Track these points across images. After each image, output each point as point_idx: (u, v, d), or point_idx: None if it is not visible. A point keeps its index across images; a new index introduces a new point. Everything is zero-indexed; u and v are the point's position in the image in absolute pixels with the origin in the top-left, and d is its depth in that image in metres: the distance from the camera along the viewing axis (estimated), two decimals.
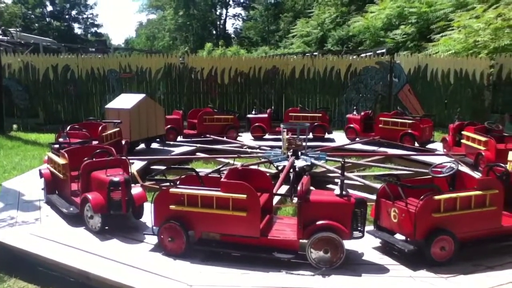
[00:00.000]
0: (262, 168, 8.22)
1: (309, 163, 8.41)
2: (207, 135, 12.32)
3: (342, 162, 5.07)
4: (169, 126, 11.99)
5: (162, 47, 54.04)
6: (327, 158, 9.01)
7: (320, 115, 13.04)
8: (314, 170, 8.69)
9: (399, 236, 4.91)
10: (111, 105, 10.88)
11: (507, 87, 15.16)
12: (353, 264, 4.65)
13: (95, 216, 5.51)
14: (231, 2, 57.65)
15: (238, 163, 8.16)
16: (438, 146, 11.22)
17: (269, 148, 10.41)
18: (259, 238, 4.68)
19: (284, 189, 7.37)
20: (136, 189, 5.79)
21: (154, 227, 5.04)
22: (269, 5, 49.37)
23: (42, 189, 6.87)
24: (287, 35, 36.89)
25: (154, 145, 11.52)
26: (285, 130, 9.36)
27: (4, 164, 9.95)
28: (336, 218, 4.56)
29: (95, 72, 16.69)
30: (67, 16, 59.58)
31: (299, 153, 8.83)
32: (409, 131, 11.21)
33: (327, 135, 12.84)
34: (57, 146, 7.06)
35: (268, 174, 5.98)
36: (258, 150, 10.40)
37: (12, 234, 5.48)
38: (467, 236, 4.73)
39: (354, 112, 13.10)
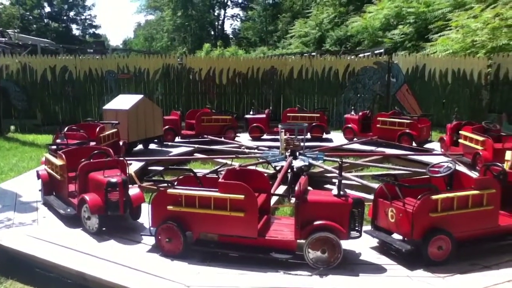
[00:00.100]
0: (260, 168, 8.24)
1: (307, 163, 8.41)
2: (205, 136, 12.32)
3: (340, 162, 5.07)
4: (167, 126, 11.99)
5: (160, 48, 54.07)
6: (325, 158, 9.01)
7: (318, 115, 13.05)
8: (311, 170, 8.69)
9: (396, 236, 4.92)
10: (109, 106, 10.86)
11: (504, 87, 15.22)
12: (351, 264, 4.66)
13: (92, 217, 5.50)
14: (229, 3, 57.74)
15: (236, 164, 8.16)
16: (435, 146, 11.24)
17: (267, 149, 10.39)
18: (257, 238, 4.68)
19: (282, 189, 7.37)
20: (133, 190, 5.79)
21: (151, 228, 5.04)
22: (267, 5, 49.38)
23: (40, 190, 6.87)
24: (285, 36, 36.92)
25: (152, 146, 11.52)
26: (283, 130, 9.36)
27: (1, 166, 9.94)
28: (333, 218, 4.56)
29: (93, 73, 16.69)
30: (65, 17, 59.49)
31: (297, 153, 8.83)
32: (407, 131, 11.25)
33: (325, 135, 12.84)
34: (54, 147, 7.06)
35: (266, 175, 5.99)
36: (256, 151, 10.39)
37: (9, 235, 5.47)
38: (464, 235, 4.74)
39: (352, 112, 13.12)
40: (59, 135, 8.53)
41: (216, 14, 57.07)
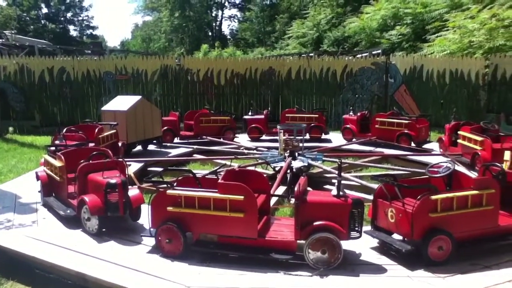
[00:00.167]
0: (259, 169, 8.23)
1: (306, 164, 8.42)
2: (204, 137, 12.32)
3: (339, 163, 5.08)
4: (165, 127, 11.98)
5: (158, 49, 54.02)
6: (324, 158, 9.01)
7: (317, 116, 13.05)
8: (311, 170, 8.69)
9: (396, 236, 4.93)
10: (107, 107, 10.86)
11: (502, 87, 15.25)
12: (351, 265, 4.66)
13: (92, 218, 5.50)
14: (226, 4, 57.74)
15: (235, 164, 8.15)
16: (434, 146, 11.25)
17: (266, 149, 10.40)
18: (257, 239, 4.68)
19: (281, 190, 7.37)
20: (133, 191, 5.79)
21: (151, 229, 5.04)
22: (264, 6, 49.38)
23: (39, 191, 6.87)
24: (283, 36, 36.90)
25: (151, 147, 11.51)
26: (282, 131, 9.36)
27: (0, 167, 9.91)
28: (333, 218, 4.57)
29: (91, 74, 16.66)
30: (62, 18, 59.32)
31: (296, 154, 8.84)
32: (406, 131, 11.26)
33: (323, 136, 12.85)
34: (53, 148, 7.05)
35: (265, 175, 5.99)
36: (255, 151, 10.39)
37: (9, 236, 5.47)
38: (464, 235, 4.75)
39: (351, 113, 13.12)
40: (58, 136, 8.51)
41: (213, 15, 57.08)
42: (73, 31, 60.89)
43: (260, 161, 9.12)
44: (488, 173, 5.38)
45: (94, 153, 6.28)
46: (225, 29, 64.69)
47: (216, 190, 4.77)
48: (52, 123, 16.00)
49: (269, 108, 16.06)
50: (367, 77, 16.95)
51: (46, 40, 35.48)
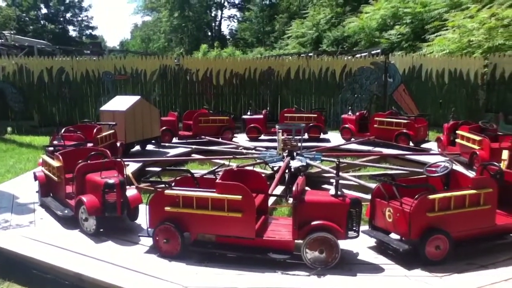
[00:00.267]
0: (257, 169, 8.22)
1: (304, 164, 8.42)
2: (203, 137, 12.32)
3: (337, 162, 5.08)
4: (164, 127, 11.98)
5: (157, 49, 53.99)
6: (322, 158, 9.03)
7: (316, 115, 13.06)
8: (309, 170, 8.70)
9: (394, 236, 4.92)
10: (106, 107, 10.86)
11: (501, 87, 15.25)
12: (349, 264, 4.66)
13: (90, 218, 5.49)
14: (226, 4, 57.70)
15: (233, 164, 8.16)
16: (432, 145, 11.25)
17: (264, 149, 10.41)
18: (255, 239, 4.69)
19: (279, 189, 7.38)
20: (131, 191, 5.79)
21: (149, 229, 5.03)
22: (264, 6, 49.37)
23: (37, 191, 6.85)
24: (282, 36, 36.89)
25: (150, 147, 11.50)
26: (281, 130, 9.37)
27: None
28: (331, 218, 4.56)
29: (90, 74, 16.67)
30: (61, 19, 59.25)
31: (295, 153, 8.85)
32: (404, 131, 11.26)
33: (322, 136, 12.86)
34: (51, 148, 7.04)
35: (263, 175, 5.99)
36: (253, 151, 10.40)
37: (6, 237, 5.46)
38: (461, 235, 4.75)
39: (349, 113, 13.13)
40: (56, 136, 8.51)
41: (213, 15, 57.03)
42: (72, 31, 60.87)
43: (258, 161, 9.11)
44: (486, 172, 5.38)
45: (92, 153, 6.27)
46: (225, 29, 64.97)
47: (214, 190, 4.77)
48: (50, 123, 16.02)
49: (268, 108, 16.07)
50: (366, 77, 16.96)
51: (45, 41, 35.48)
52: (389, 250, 4.87)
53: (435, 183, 5.12)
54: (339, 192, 4.68)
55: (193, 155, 11.07)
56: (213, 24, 57.32)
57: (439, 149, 10.59)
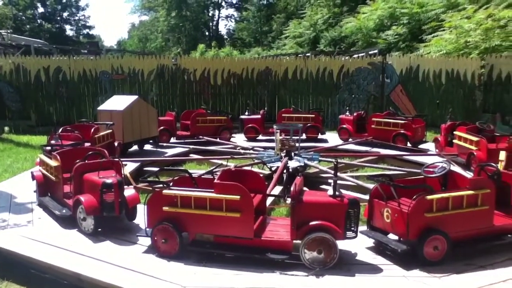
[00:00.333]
0: (255, 169, 8.23)
1: (302, 164, 8.41)
2: (200, 137, 12.31)
3: (335, 163, 5.09)
4: (162, 127, 11.96)
5: (154, 49, 53.94)
6: (320, 158, 9.03)
7: (313, 116, 13.07)
8: (307, 170, 8.70)
9: (392, 236, 4.94)
10: (104, 106, 10.82)
11: (497, 87, 15.30)
12: (347, 264, 4.67)
13: (88, 218, 5.48)
14: (223, 3, 57.69)
15: (231, 164, 8.16)
16: (430, 146, 11.28)
17: (262, 149, 10.40)
18: (253, 239, 4.69)
19: (277, 190, 7.38)
20: (129, 191, 5.78)
21: (147, 229, 5.03)
22: (261, 6, 49.40)
23: (34, 191, 6.84)
24: (280, 36, 36.95)
25: (147, 147, 11.48)
26: (278, 131, 9.37)
27: None
28: (329, 218, 4.57)
29: (87, 73, 16.64)
30: (58, 18, 59.15)
31: (292, 154, 8.84)
32: (402, 131, 11.29)
33: (320, 136, 12.87)
34: (49, 148, 7.02)
35: (261, 175, 5.99)
36: (251, 151, 10.39)
37: (4, 236, 5.45)
38: (459, 235, 4.76)
39: (347, 113, 13.15)
40: (54, 136, 8.48)
41: (210, 14, 57.00)
42: (69, 30, 60.81)
43: (256, 161, 9.11)
44: (483, 173, 5.40)
45: (90, 153, 6.25)
46: (222, 29, 64.71)
47: (212, 190, 4.76)
48: (48, 123, 15.99)
49: (266, 108, 16.09)
50: (363, 77, 16.98)
51: (42, 40, 35.40)
52: (387, 250, 4.88)
53: (433, 183, 5.13)
54: (337, 193, 4.69)
55: (191, 155, 11.06)
56: (211, 24, 57.34)
57: (437, 150, 10.62)
